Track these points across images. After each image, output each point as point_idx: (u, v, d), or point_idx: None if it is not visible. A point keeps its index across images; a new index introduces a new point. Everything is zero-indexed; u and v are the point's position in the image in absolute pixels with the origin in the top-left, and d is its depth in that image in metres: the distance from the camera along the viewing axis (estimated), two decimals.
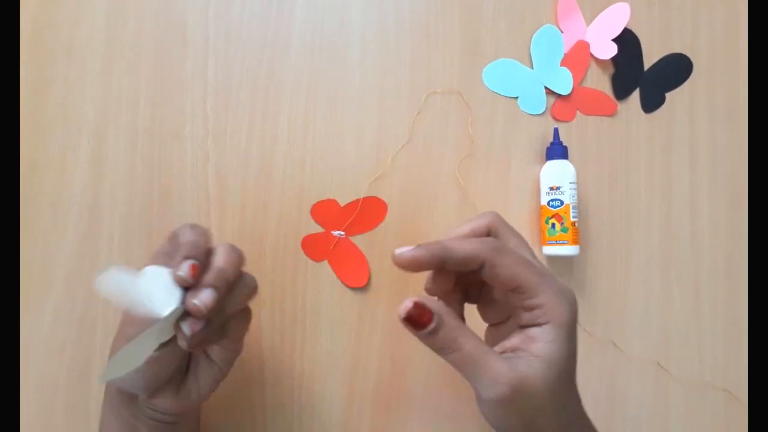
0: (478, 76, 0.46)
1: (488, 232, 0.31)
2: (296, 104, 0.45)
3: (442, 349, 0.28)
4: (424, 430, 0.43)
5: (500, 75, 0.46)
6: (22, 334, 0.42)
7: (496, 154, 0.45)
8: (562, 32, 0.47)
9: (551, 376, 0.27)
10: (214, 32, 0.44)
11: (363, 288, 0.44)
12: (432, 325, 0.27)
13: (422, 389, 0.44)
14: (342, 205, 0.44)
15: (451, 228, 0.32)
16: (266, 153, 0.44)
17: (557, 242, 0.43)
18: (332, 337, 0.44)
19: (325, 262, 0.44)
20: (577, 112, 0.46)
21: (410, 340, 0.43)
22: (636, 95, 0.47)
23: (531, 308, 0.28)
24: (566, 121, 0.46)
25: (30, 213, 0.43)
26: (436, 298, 0.30)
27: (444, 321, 0.27)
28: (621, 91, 0.47)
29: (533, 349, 0.27)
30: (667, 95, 0.47)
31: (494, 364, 0.27)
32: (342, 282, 0.44)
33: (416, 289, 0.44)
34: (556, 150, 0.44)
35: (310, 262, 0.44)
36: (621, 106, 0.47)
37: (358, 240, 0.44)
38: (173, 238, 0.31)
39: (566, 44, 0.47)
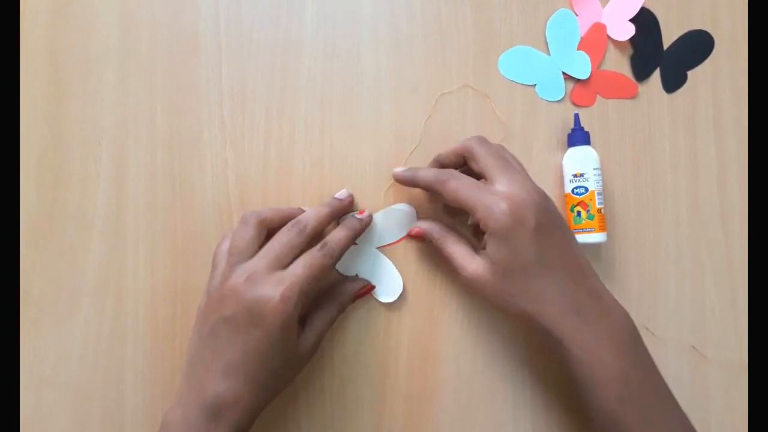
0: (493, 65, 0.45)
1: (463, 156, 0.40)
2: (311, 106, 0.44)
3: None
4: (457, 429, 0.43)
5: (516, 63, 0.45)
6: (55, 349, 0.42)
7: (516, 143, 0.45)
8: (577, 15, 0.46)
9: (494, 270, 0.36)
10: (226, 39, 0.44)
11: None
12: (427, 238, 0.41)
13: (453, 389, 0.43)
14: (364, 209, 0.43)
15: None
16: (284, 156, 0.44)
17: (584, 230, 0.42)
18: (361, 339, 0.43)
19: None
20: (597, 96, 0.46)
21: (439, 339, 0.43)
22: (657, 75, 0.46)
23: (477, 222, 0.36)
24: (586, 106, 0.45)
25: (56, 228, 0.43)
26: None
27: (433, 235, 0.40)
28: (641, 72, 0.46)
29: (484, 251, 0.37)
30: (689, 73, 0.46)
31: (462, 260, 0.38)
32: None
33: (444, 285, 0.44)
34: (578, 136, 0.43)
35: None
36: (642, 88, 0.46)
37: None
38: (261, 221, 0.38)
39: (582, 27, 0.46)
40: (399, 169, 0.41)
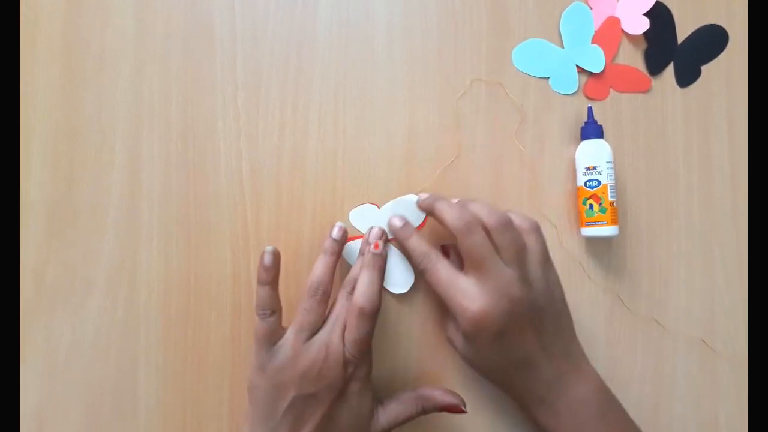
0: (507, 57, 0.45)
1: None
2: (326, 97, 0.44)
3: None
4: (465, 416, 0.43)
5: (530, 55, 0.45)
6: (68, 337, 0.42)
7: (529, 136, 0.45)
8: (591, 9, 0.46)
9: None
10: (241, 29, 0.44)
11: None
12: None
13: (464, 377, 0.44)
14: (379, 205, 0.44)
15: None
16: (298, 147, 0.44)
17: (596, 223, 0.42)
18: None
19: None
20: (611, 89, 0.46)
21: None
22: (670, 70, 0.46)
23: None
24: (600, 100, 0.45)
25: (70, 217, 0.43)
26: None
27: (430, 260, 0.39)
28: (654, 66, 0.46)
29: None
30: (703, 68, 0.46)
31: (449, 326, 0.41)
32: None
33: None
34: (591, 129, 0.43)
35: None
36: (655, 82, 0.46)
37: None
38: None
39: (596, 21, 0.46)
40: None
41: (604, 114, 0.45)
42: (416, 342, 0.44)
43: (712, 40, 0.46)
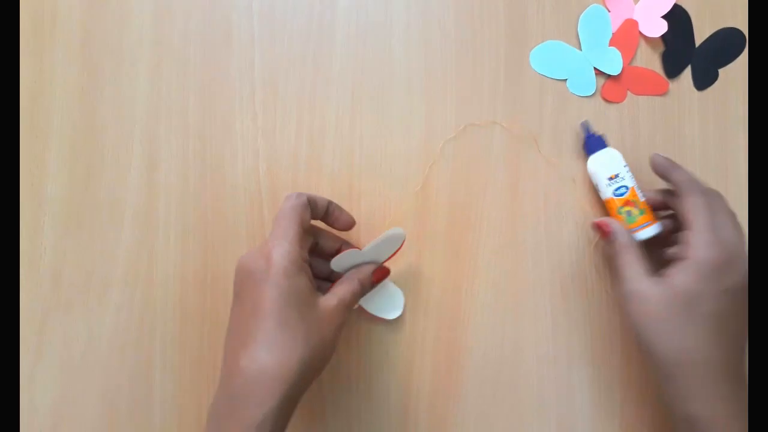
0: (525, 59, 0.45)
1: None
2: (343, 97, 0.44)
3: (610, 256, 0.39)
4: (482, 421, 0.43)
5: (548, 57, 0.45)
6: (85, 334, 0.43)
7: (547, 138, 0.45)
8: (609, 11, 0.46)
9: (667, 297, 0.35)
10: (259, 28, 0.44)
11: (415, 276, 0.44)
12: (610, 238, 0.39)
13: (479, 379, 0.44)
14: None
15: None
16: (315, 147, 0.44)
17: (641, 226, 0.41)
18: (388, 328, 0.44)
19: None
20: (628, 92, 0.45)
21: (466, 329, 0.43)
22: (688, 73, 0.46)
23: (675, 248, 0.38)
24: (617, 102, 0.45)
25: (87, 215, 0.43)
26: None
27: (617, 238, 0.39)
28: (672, 69, 0.46)
29: (664, 277, 0.36)
30: (721, 71, 0.46)
31: (633, 272, 0.37)
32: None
33: (470, 289, 0.44)
34: (595, 142, 0.42)
35: None
36: (672, 85, 0.46)
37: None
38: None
39: (614, 23, 0.46)
40: (659, 156, 0.40)
41: (621, 116, 0.45)
42: (431, 347, 0.44)
43: (729, 44, 0.46)
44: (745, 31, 0.46)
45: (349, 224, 0.40)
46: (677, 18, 0.46)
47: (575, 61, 0.45)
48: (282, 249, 0.33)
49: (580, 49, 0.45)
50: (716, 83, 0.46)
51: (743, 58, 0.46)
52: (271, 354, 0.31)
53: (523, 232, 0.44)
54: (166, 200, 0.43)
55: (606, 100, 0.45)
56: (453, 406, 0.43)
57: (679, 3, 0.46)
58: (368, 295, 0.41)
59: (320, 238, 0.40)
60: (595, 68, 0.45)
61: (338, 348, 0.43)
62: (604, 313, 0.44)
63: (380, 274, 0.40)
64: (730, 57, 0.46)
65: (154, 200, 0.43)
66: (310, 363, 0.32)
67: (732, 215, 0.37)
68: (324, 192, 0.44)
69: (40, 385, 0.42)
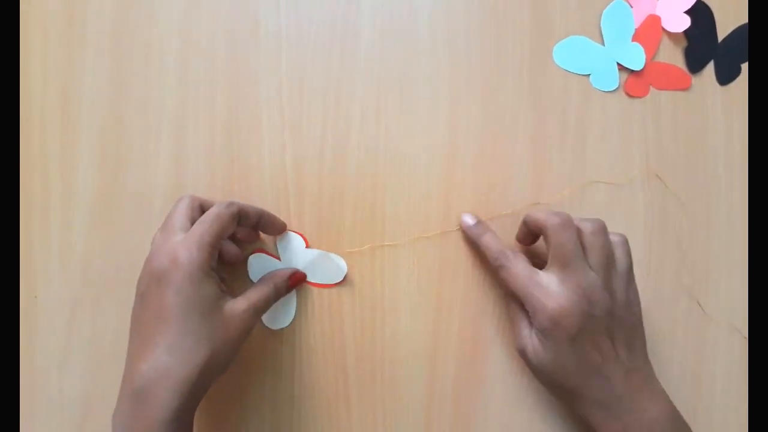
0: (548, 54, 0.45)
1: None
2: (368, 92, 0.45)
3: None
4: (506, 412, 0.44)
5: (571, 52, 0.45)
6: (114, 327, 0.43)
7: (571, 132, 0.45)
8: (632, 7, 0.46)
9: (541, 347, 0.37)
10: (285, 24, 0.45)
11: (440, 269, 0.44)
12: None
13: (503, 371, 0.44)
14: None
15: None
16: (340, 142, 0.44)
17: None
18: (412, 320, 0.44)
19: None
20: (651, 87, 0.46)
21: (490, 321, 0.44)
22: (710, 68, 0.46)
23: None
24: (640, 97, 0.46)
25: (115, 208, 0.44)
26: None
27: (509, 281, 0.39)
28: (695, 64, 0.46)
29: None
30: (743, 66, 0.46)
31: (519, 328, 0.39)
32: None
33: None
34: None
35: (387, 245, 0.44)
36: (695, 80, 0.46)
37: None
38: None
39: (637, 19, 0.46)
40: (468, 220, 0.42)
41: (644, 112, 0.45)
42: (455, 339, 0.44)
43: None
44: None
45: (281, 230, 0.43)
46: (700, 13, 0.46)
47: (598, 57, 0.45)
48: (190, 255, 0.33)
49: (603, 45, 0.46)
50: (739, 78, 0.46)
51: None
52: (172, 357, 0.32)
53: None
54: (193, 193, 0.44)
55: (629, 95, 0.46)
56: (477, 391, 0.44)
57: None
58: (310, 269, 0.43)
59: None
60: (618, 63, 0.45)
61: (362, 340, 0.43)
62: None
63: (297, 278, 0.42)
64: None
65: (182, 193, 0.43)
66: (214, 363, 0.33)
67: (586, 248, 0.37)
68: (349, 186, 0.44)
69: (69, 375, 0.43)
